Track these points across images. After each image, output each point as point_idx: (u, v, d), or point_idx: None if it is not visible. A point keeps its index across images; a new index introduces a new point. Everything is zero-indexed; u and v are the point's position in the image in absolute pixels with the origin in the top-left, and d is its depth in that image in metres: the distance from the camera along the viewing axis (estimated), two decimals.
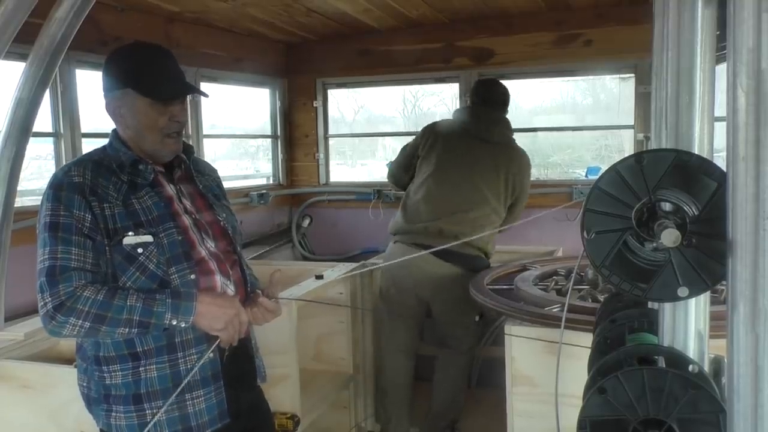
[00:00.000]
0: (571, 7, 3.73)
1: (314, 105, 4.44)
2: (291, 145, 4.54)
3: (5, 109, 1.98)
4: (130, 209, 1.57)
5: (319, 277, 2.82)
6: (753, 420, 0.74)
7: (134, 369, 1.57)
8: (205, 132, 3.85)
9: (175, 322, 1.51)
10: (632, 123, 3.82)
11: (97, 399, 1.61)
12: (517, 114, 4.65)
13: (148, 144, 1.62)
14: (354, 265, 3.16)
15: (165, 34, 3.46)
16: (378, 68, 4.22)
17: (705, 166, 0.84)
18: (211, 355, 1.60)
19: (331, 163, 4.57)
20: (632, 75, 3.82)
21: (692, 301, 0.94)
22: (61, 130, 2.97)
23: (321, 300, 2.69)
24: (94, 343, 1.59)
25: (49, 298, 1.45)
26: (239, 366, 1.73)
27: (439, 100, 4.75)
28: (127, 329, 1.49)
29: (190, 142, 3.61)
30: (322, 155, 4.49)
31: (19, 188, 2.13)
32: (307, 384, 2.68)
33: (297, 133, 4.52)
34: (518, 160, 3.13)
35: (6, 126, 1.97)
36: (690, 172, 0.84)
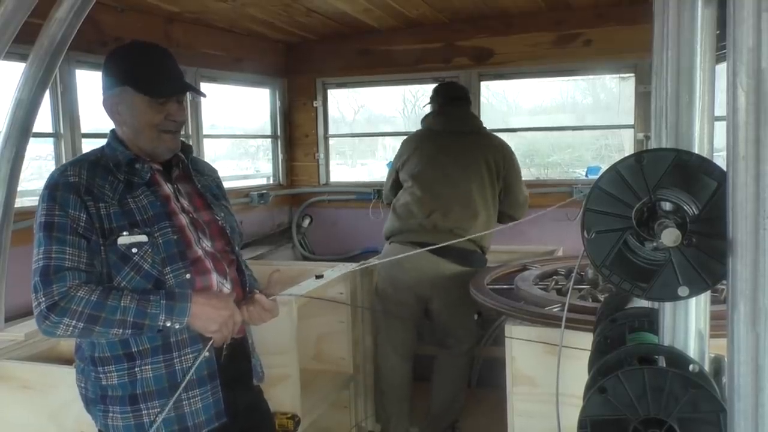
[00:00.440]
0: (571, 6, 3.73)
1: (314, 105, 4.44)
2: (291, 145, 4.54)
3: (5, 109, 1.98)
4: (126, 208, 1.57)
5: (319, 277, 2.82)
6: (753, 419, 0.74)
7: (130, 369, 1.57)
8: (205, 132, 3.85)
9: (169, 324, 1.51)
10: (632, 122, 3.82)
11: (95, 399, 1.61)
12: (517, 114, 4.66)
13: (145, 142, 1.63)
14: (354, 264, 3.16)
15: (165, 34, 3.46)
16: (378, 68, 4.22)
17: (705, 165, 0.84)
18: (207, 354, 1.60)
19: (331, 163, 4.57)
20: (632, 74, 3.82)
21: (692, 301, 0.94)
22: (61, 131, 2.97)
23: (320, 297, 2.69)
24: (90, 344, 1.59)
25: (43, 298, 1.45)
26: (236, 366, 1.73)
27: None
28: (120, 330, 1.49)
29: (190, 142, 3.62)
30: (322, 155, 4.49)
31: (19, 189, 2.13)
32: (307, 384, 2.68)
33: (297, 133, 4.52)
34: (494, 143, 3.14)
35: (6, 126, 1.97)
36: (690, 172, 0.84)
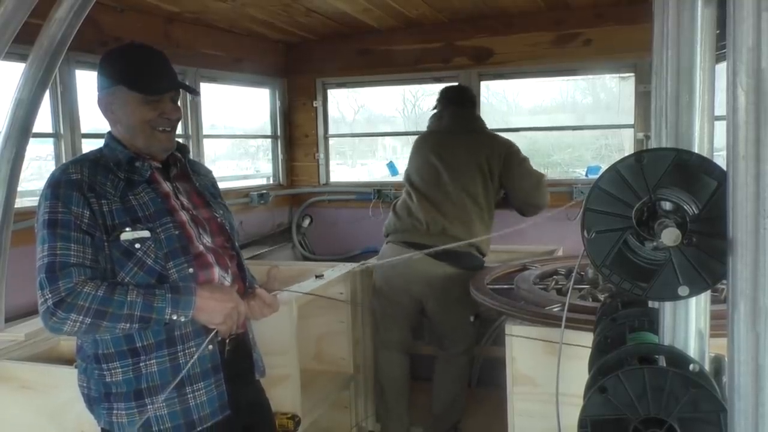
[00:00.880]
0: (571, 6, 3.73)
1: (314, 105, 4.44)
2: (291, 145, 4.54)
3: (5, 109, 1.98)
4: (128, 205, 1.59)
5: (319, 276, 2.82)
6: (754, 419, 0.74)
7: (134, 365, 1.57)
8: (205, 132, 3.85)
9: (175, 317, 1.52)
10: (632, 122, 3.82)
11: (98, 398, 1.61)
12: (517, 114, 4.66)
13: (140, 140, 1.65)
14: (354, 264, 3.17)
15: (164, 34, 3.46)
16: (378, 68, 4.22)
17: (705, 165, 0.84)
18: (211, 347, 1.61)
19: (331, 163, 4.57)
20: (632, 74, 3.82)
21: (693, 300, 0.94)
22: (61, 131, 2.97)
23: (319, 294, 2.69)
24: (93, 341, 1.59)
25: (50, 295, 1.46)
26: (239, 361, 1.74)
27: None
28: (128, 324, 1.49)
29: (190, 143, 3.62)
30: (322, 155, 4.49)
31: (19, 189, 2.13)
32: (307, 384, 2.68)
33: (297, 133, 4.52)
34: (490, 142, 3.12)
35: (6, 127, 1.97)
36: (690, 171, 0.84)
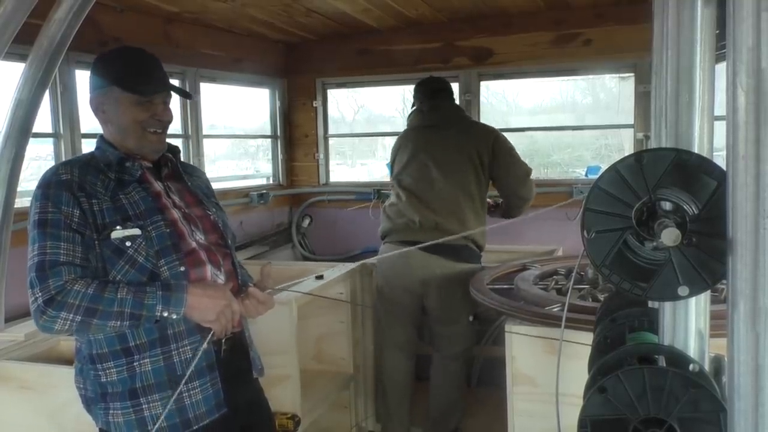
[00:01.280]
0: (570, 6, 3.73)
1: (314, 105, 4.43)
2: (291, 145, 4.54)
3: (5, 109, 1.98)
4: (118, 204, 1.60)
5: (319, 277, 2.82)
6: (754, 419, 0.74)
7: (128, 364, 1.57)
8: (204, 132, 3.85)
9: (166, 314, 1.52)
10: (632, 122, 3.82)
11: (95, 398, 1.61)
12: (516, 114, 4.66)
13: (131, 141, 1.66)
14: (354, 264, 3.17)
15: (164, 34, 3.46)
16: (377, 68, 4.21)
17: (705, 165, 0.84)
18: (206, 346, 1.61)
19: (331, 163, 4.57)
20: (632, 74, 3.81)
21: (692, 300, 0.94)
22: (61, 131, 2.97)
23: (319, 294, 2.69)
24: (88, 342, 1.60)
25: (40, 293, 1.46)
26: (235, 360, 1.74)
27: None
28: (118, 322, 1.49)
29: (190, 142, 3.62)
30: (322, 155, 4.49)
31: (19, 189, 2.13)
32: (307, 384, 2.68)
33: (297, 133, 4.52)
34: (476, 131, 3.11)
35: (6, 127, 1.97)
36: (690, 171, 0.84)
